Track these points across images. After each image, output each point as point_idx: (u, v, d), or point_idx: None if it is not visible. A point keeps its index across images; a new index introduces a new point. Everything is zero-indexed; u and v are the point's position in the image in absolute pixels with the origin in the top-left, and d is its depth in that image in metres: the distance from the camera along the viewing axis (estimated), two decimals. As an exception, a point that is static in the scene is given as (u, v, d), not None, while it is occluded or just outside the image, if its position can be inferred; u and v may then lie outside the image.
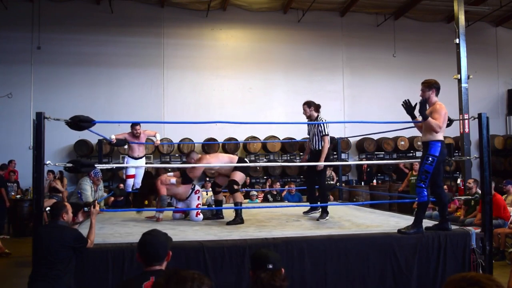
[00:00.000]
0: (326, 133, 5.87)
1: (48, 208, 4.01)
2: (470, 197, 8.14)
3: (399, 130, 7.27)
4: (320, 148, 5.89)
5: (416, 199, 4.83)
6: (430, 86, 4.80)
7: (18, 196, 10.49)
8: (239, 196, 5.87)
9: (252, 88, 13.82)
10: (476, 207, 7.89)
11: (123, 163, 7.88)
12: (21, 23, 12.61)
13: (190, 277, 1.67)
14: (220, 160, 5.97)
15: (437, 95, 4.82)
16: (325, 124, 5.88)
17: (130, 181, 7.83)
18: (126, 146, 7.60)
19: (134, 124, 7.61)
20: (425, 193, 4.67)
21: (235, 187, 5.80)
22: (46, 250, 3.62)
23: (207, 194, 9.23)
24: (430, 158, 4.62)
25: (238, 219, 5.63)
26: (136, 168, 7.71)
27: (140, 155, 7.77)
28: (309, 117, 6.07)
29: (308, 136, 6.26)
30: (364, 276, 4.47)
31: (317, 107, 6.01)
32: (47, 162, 4.26)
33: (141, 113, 12.47)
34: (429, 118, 4.62)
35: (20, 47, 12.61)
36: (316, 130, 5.93)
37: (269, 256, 2.54)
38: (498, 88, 15.39)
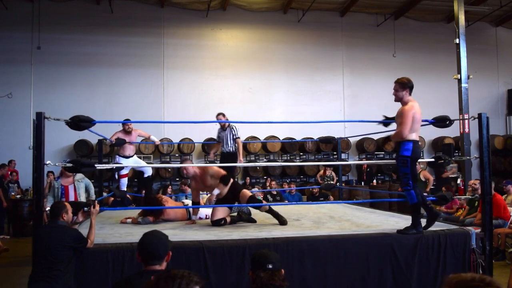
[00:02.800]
0: (238, 136, 7.10)
1: (48, 208, 4.01)
2: (470, 197, 8.14)
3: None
4: (234, 150, 7.03)
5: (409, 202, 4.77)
6: (404, 84, 4.68)
7: (18, 196, 10.49)
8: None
9: (252, 88, 13.83)
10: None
11: (119, 162, 7.88)
12: (21, 23, 12.61)
13: (179, 275, 1.71)
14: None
15: (410, 94, 4.70)
16: (236, 129, 7.07)
17: (124, 181, 7.86)
18: (113, 142, 7.61)
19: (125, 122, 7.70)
20: (414, 194, 4.64)
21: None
22: (46, 250, 3.62)
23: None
24: (403, 160, 4.58)
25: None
26: (126, 167, 7.75)
27: (131, 153, 7.82)
28: (223, 125, 7.16)
29: (216, 139, 7.46)
30: (364, 276, 4.46)
31: (224, 115, 7.19)
32: (47, 162, 4.26)
33: (141, 113, 12.47)
34: (397, 131, 4.62)
35: (20, 47, 12.61)
36: (229, 135, 7.03)
37: (269, 256, 2.54)
38: (498, 88, 15.39)
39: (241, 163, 7.05)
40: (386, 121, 5.31)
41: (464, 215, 8.25)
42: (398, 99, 4.73)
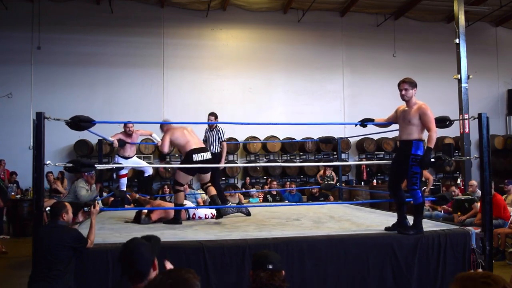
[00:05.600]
0: (225, 139, 7.06)
1: (48, 208, 4.01)
2: (458, 197, 8.14)
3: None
4: (218, 151, 6.93)
5: (412, 201, 4.77)
6: (413, 84, 4.68)
7: (18, 196, 10.48)
8: (181, 197, 5.79)
9: (252, 88, 13.83)
10: (473, 207, 7.91)
11: (118, 162, 7.85)
12: (21, 23, 12.61)
13: (190, 276, 1.75)
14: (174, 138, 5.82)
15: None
16: (223, 132, 7.05)
17: (124, 181, 7.82)
18: (117, 145, 7.56)
19: (126, 123, 7.64)
20: (420, 194, 4.64)
21: (177, 187, 5.77)
22: (46, 250, 3.62)
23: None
24: (415, 159, 4.55)
25: (175, 220, 5.64)
26: (126, 167, 7.73)
27: (131, 155, 7.75)
28: (210, 126, 7.08)
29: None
30: (364, 276, 4.46)
31: (216, 117, 7.21)
32: (47, 162, 4.26)
33: (141, 113, 12.47)
34: (432, 135, 4.51)
35: (20, 47, 12.61)
36: (216, 136, 6.99)
37: (269, 256, 2.54)
38: (498, 88, 15.40)
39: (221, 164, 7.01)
40: (367, 123, 5.29)
41: (458, 219, 8.19)
42: (407, 98, 4.70)
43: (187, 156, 5.74)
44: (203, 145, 6.10)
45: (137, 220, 5.76)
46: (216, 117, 7.18)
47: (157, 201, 7.13)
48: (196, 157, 5.69)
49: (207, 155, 5.85)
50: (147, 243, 2.31)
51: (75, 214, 4.20)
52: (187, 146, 5.77)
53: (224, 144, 7.05)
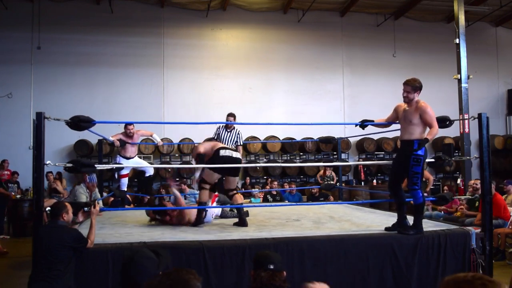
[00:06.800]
0: (241, 144, 7.17)
1: (48, 208, 4.01)
2: (471, 197, 8.13)
3: (399, 130, 7.26)
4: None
5: (412, 201, 4.77)
6: (416, 87, 4.66)
7: (18, 196, 10.48)
8: (205, 195, 5.50)
9: (252, 88, 13.82)
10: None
11: (119, 162, 7.83)
12: (21, 23, 12.60)
13: (191, 277, 1.74)
14: (204, 147, 5.67)
15: (419, 95, 4.72)
16: (241, 136, 7.20)
17: (124, 181, 7.81)
18: (118, 145, 7.54)
19: (127, 124, 7.60)
20: (421, 194, 4.65)
21: (202, 185, 5.53)
22: (46, 250, 3.62)
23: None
24: (416, 159, 4.56)
25: (198, 220, 5.43)
26: (127, 167, 7.72)
27: (132, 155, 7.73)
28: (230, 127, 7.17)
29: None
30: (364, 276, 4.47)
31: (235, 117, 7.25)
32: (47, 162, 4.26)
33: (141, 113, 12.47)
34: (433, 131, 4.54)
35: (20, 47, 12.61)
36: (233, 137, 7.06)
37: (270, 256, 2.55)
38: (498, 88, 15.39)
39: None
40: (367, 123, 5.31)
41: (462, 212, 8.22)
42: (408, 100, 4.71)
43: (215, 153, 5.45)
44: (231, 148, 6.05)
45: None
46: (235, 117, 7.21)
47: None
48: (223, 152, 5.39)
49: (236, 154, 5.57)
50: (154, 258, 2.23)
51: (75, 214, 4.19)
52: (215, 146, 5.57)
53: (240, 148, 7.14)
